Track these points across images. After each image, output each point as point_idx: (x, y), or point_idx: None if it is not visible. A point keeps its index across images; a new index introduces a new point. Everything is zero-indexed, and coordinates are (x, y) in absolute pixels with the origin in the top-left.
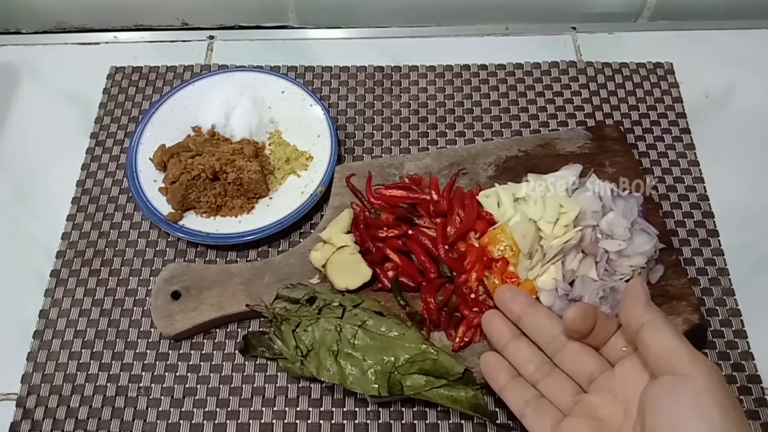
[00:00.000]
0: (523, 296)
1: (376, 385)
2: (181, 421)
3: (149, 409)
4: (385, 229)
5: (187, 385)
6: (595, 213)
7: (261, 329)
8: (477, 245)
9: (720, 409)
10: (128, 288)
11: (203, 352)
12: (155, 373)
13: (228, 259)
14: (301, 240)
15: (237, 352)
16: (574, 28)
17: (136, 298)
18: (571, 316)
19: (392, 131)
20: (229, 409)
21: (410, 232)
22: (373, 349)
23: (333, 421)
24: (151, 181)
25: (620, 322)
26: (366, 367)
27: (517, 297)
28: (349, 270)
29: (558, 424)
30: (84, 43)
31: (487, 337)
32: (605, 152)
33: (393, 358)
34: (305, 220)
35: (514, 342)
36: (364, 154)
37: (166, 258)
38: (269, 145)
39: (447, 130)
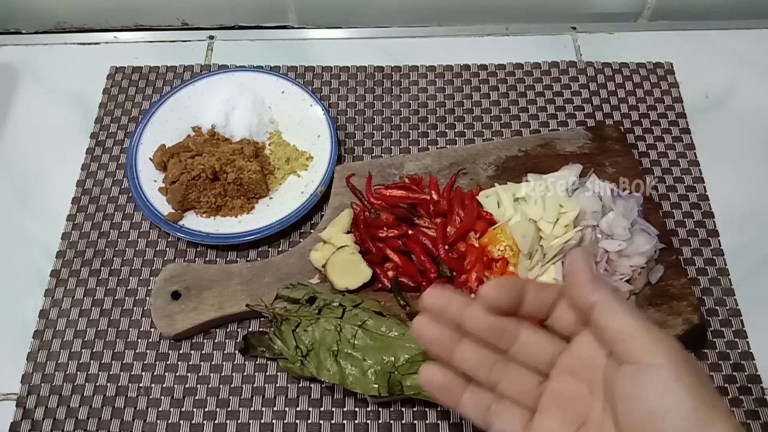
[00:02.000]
0: (456, 296)
1: (376, 385)
2: (181, 421)
3: (149, 409)
4: (385, 229)
5: (187, 385)
6: (595, 213)
7: (261, 329)
8: (477, 245)
9: (690, 392)
10: (128, 288)
11: (203, 352)
12: (155, 373)
13: (228, 259)
14: (301, 240)
15: (237, 352)
16: (574, 28)
17: (136, 298)
18: (486, 291)
19: (392, 131)
20: (229, 409)
21: (410, 232)
22: (373, 349)
23: (333, 421)
24: (151, 181)
25: (568, 300)
26: (366, 367)
27: (449, 298)
28: (349, 270)
29: (528, 424)
30: (84, 43)
31: (426, 350)
32: (605, 152)
33: (393, 358)
34: (305, 220)
35: (459, 347)
36: (364, 154)
37: (166, 258)
38: (269, 145)
39: (447, 130)
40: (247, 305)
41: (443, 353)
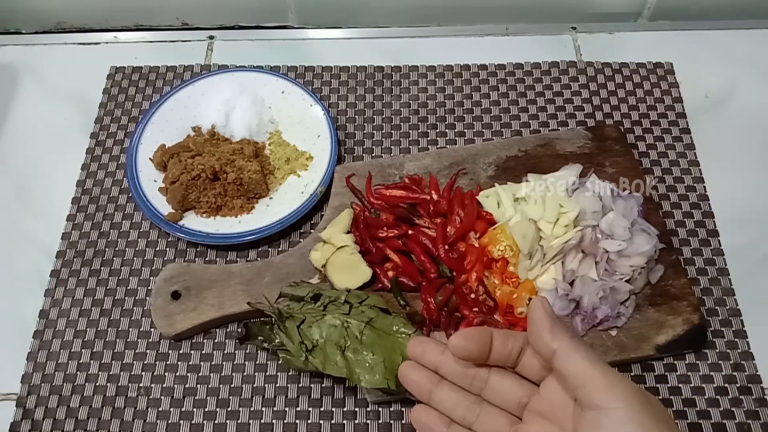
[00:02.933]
0: (432, 344)
1: (385, 379)
2: (181, 421)
3: (149, 409)
4: (385, 229)
5: (187, 385)
6: (595, 213)
7: (262, 319)
8: (477, 245)
9: (642, 431)
10: (128, 288)
11: (203, 352)
12: (155, 373)
13: (228, 259)
14: (301, 240)
15: (237, 352)
16: (574, 28)
17: (136, 298)
18: (454, 342)
19: (392, 131)
20: (229, 409)
21: (410, 232)
22: (381, 345)
23: (333, 421)
24: (151, 181)
25: (532, 348)
26: (374, 362)
27: (427, 347)
28: (349, 270)
29: None
30: (84, 43)
31: (410, 393)
32: (605, 152)
33: (401, 357)
34: (305, 220)
35: (437, 390)
36: (364, 154)
37: (166, 258)
38: (269, 145)
39: (447, 130)
40: (248, 303)
41: (424, 395)
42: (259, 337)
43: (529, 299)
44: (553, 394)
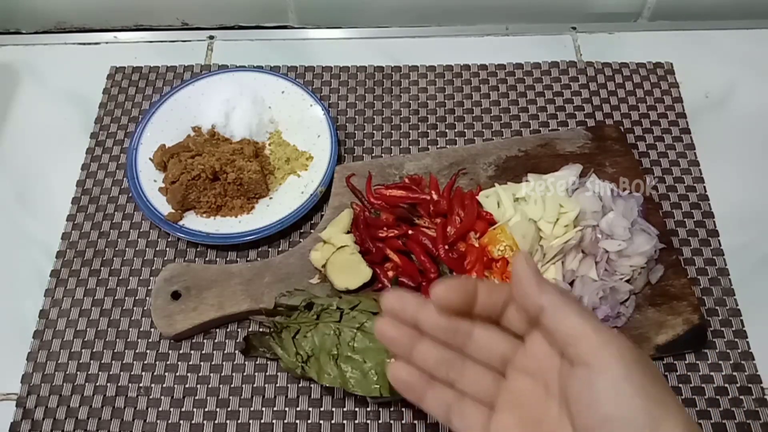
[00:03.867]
0: (410, 297)
1: (378, 386)
2: (181, 421)
3: (149, 409)
4: (385, 229)
5: (187, 385)
6: (595, 213)
7: (261, 329)
8: (477, 245)
9: (640, 392)
10: (128, 288)
11: (203, 352)
12: (155, 373)
13: (228, 259)
14: (301, 240)
15: (237, 352)
16: (574, 28)
17: (136, 298)
18: (437, 292)
19: (392, 131)
20: (229, 409)
21: (410, 232)
22: (373, 350)
23: (333, 421)
24: (151, 181)
25: (517, 304)
26: (366, 368)
27: (406, 301)
28: (349, 270)
29: (487, 423)
30: (84, 43)
31: (389, 349)
32: (605, 152)
33: (393, 359)
34: (305, 220)
35: (418, 347)
36: (364, 154)
37: (166, 258)
38: (269, 145)
39: (447, 130)
40: (249, 317)
41: (404, 352)
42: (261, 349)
43: None
44: (538, 350)
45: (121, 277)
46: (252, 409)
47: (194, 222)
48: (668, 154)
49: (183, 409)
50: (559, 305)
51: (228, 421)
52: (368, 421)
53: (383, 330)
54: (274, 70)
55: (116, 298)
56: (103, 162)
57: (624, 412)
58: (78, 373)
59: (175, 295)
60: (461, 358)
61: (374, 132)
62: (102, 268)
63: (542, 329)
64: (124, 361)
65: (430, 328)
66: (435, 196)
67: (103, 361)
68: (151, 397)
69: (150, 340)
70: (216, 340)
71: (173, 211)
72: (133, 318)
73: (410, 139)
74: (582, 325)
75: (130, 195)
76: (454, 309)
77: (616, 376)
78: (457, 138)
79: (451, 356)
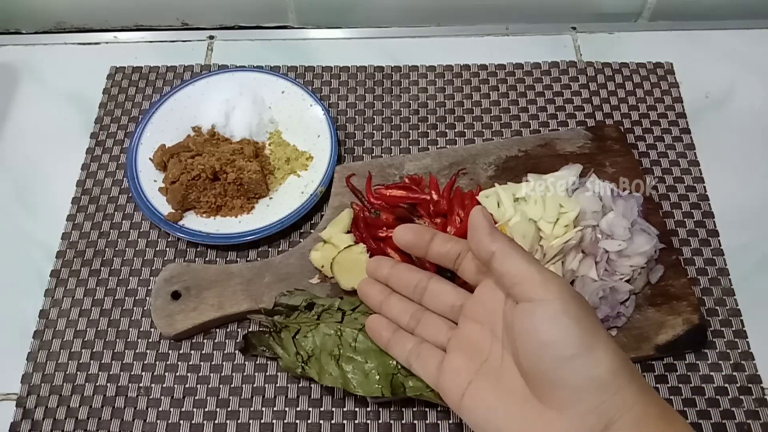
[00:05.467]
0: (384, 260)
1: (380, 386)
2: (181, 421)
3: (149, 409)
4: (385, 229)
5: (187, 385)
6: (595, 213)
7: (261, 329)
8: None
9: (576, 323)
10: (128, 288)
11: (203, 352)
12: (155, 373)
13: (228, 259)
14: (301, 240)
15: (237, 351)
16: (574, 28)
17: (136, 298)
18: (397, 231)
19: (392, 131)
20: (229, 409)
21: None
22: (375, 351)
23: (333, 421)
24: (151, 181)
25: (471, 252)
26: (368, 369)
27: (380, 263)
28: (357, 269)
29: (440, 364)
30: (84, 43)
31: (366, 304)
32: (605, 152)
33: (395, 360)
34: (305, 220)
35: (387, 300)
36: (364, 154)
37: (166, 258)
38: (269, 145)
39: (447, 130)
40: (248, 316)
41: (376, 306)
42: (260, 348)
43: None
44: (485, 297)
45: (121, 277)
46: (252, 409)
47: (194, 222)
48: (668, 154)
49: (183, 409)
50: (507, 251)
51: (228, 421)
52: (368, 421)
53: (363, 288)
54: (274, 70)
55: (116, 298)
56: (103, 162)
57: (560, 339)
58: (78, 373)
59: (175, 295)
60: (421, 309)
61: (374, 132)
62: (102, 268)
63: (492, 274)
64: (124, 361)
65: (396, 285)
66: (435, 196)
67: (103, 361)
68: (151, 397)
69: (150, 340)
70: (216, 340)
71: (173, 211)
72: (133, 318)
73: (410, 139)
74: (527, 267)
75: (130, 195)
76: (412, 248)
77: (555, 309)
78: (457, 138)
79: (414, 308)
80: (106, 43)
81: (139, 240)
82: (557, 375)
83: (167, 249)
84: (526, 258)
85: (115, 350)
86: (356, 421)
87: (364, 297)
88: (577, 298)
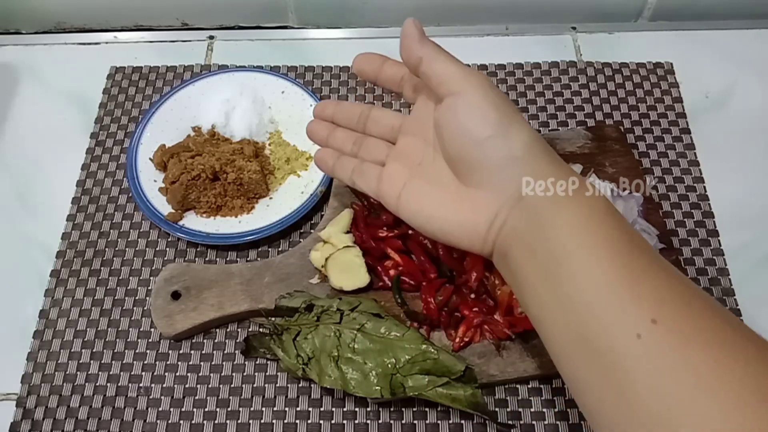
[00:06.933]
0: (330, 101)
1: (378, 388)
2: (181, 421)
3: (149, 409)
4: (385, 229)
5: (187, 385)
6: None
7: (261, 330)
8: None
9: (494, 108)
10: (128, 288)
11: (203, 352)
12: (155, 373)
13: (228, 259)
14: (301, 240)
15: (237, 352)
16: (574, 28)
17: (136, 298)
18: (355, 59)
19: None
20: (229, 409)
21: (410, 232)
22: (374, 351)
23: (333, 421)
24: (151, 181)
25: (403, 60)
26: (367, 370)
27: (326, 104)
28: (349, 271)
29: (380, 175)
30: (84, 43)
31: (313, 141)
32: (605, 152)
33: (393, 360)
34: (305, 220)
35: (332, 133)
36: None
37: (166, 258)
38: (269, 145)
39: None
40: (250, 318)
41: (322, 140)
42: (261, 350)
43: None
44: (420, 111)
45: (121, 277)
46: (252, 409)
47: (194, 222)
48: (668, 154)
49: (183, 409)
50: (434, 54)
51: (228, 421)
52: (368, 421)
53: (310, 127)
54: (274, 70)
55: (116, 298)
56: (103, 162)
57: (480, 123)
58: (78, 373)
59: (175, 295)
60: (363, 136)
61: None
62: (102, 268)
63: (422, 78)
64: (124, 361)
65: (341, 119)
66: None
67: (103, 361)
68: (151, 397)
69: (150, 340)
70: (216, 340)
71: (173, 211)
72: (133, 318)
73: None
74: (451, 66)
75: (130, 195)
76: (367, 75)
77: (476, 97)
78: None
79: (356, 136)
80: (106, 43)
81: (139, 240)
82: (478, 154)
83: (167, 249)
84: (451, 59)
85: (115, 350)
86: (356, 421)
87: (311, 135)
88: (495, 89)
